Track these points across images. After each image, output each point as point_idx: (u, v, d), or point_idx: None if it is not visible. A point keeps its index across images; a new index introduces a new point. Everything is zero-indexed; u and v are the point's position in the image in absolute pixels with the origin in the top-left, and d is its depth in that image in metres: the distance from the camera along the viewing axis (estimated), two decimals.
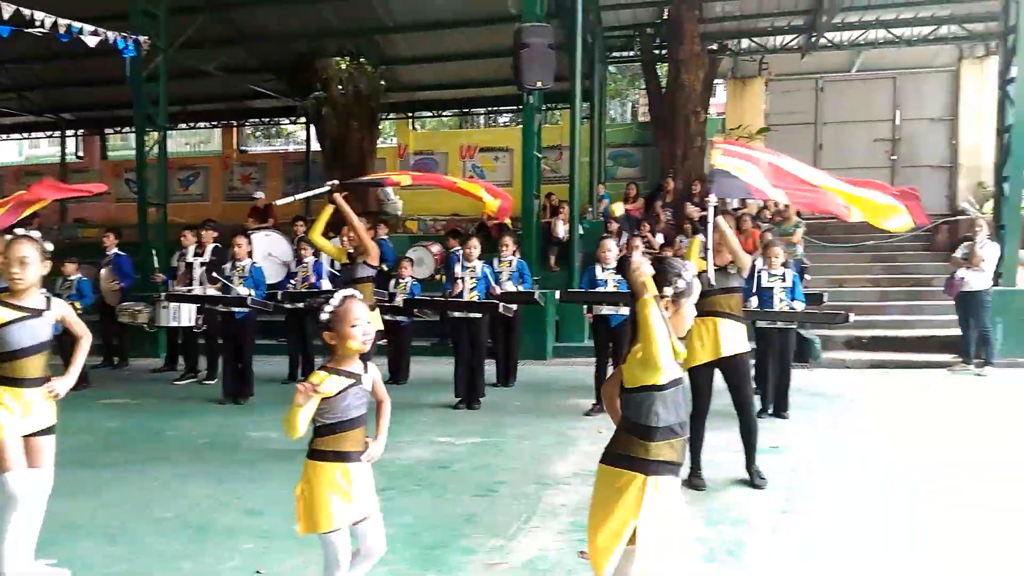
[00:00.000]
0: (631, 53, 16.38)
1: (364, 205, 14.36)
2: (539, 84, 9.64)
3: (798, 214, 10.41)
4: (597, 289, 7.04)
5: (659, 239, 11.75)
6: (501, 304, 7.28)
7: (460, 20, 13.99)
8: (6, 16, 9.09)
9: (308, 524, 2.82)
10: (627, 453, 2.60)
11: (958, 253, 9.00)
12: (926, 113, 15.63)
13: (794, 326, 7.13)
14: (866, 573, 3.67)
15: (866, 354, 9.64)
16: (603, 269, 7.10)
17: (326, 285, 8.56)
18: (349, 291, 2.89)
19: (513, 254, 8.19)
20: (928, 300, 11.01)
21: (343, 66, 14.36)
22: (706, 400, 4.93)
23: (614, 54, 16.43)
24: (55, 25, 9.82)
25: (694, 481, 4.84)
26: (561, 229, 12.06)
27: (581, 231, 11.15)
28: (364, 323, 2.85)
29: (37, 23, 9.41)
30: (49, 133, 21.56)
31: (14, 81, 17.52)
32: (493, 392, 7.87)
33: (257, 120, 20.62)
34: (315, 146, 17.24)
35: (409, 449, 5.75)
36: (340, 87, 14.20)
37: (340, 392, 2.83)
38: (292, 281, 8.93)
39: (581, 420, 6.73)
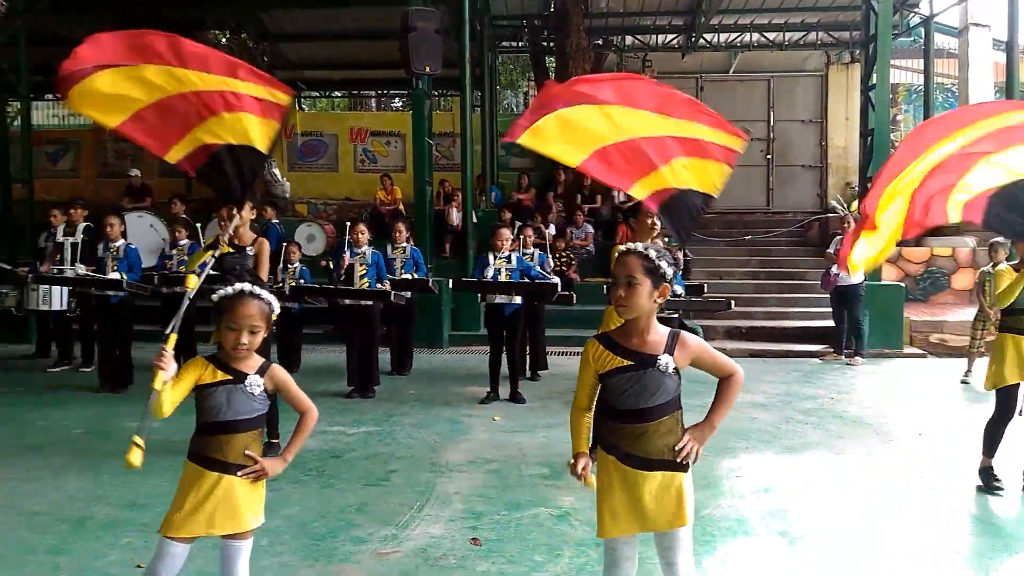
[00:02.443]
0: (520, 43, 16.49)
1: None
2: (427, 69, 9.61)
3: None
4: (489, 278, 7.11)
5: (551, 230, 11.97)
6: (392, 292, 7.24)
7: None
8: None
9: (162, 525, 2.57)
10: None
11: (831, 249, 9.54)
12: (798, 115, 16.59)
13: (677, 315, 7.39)
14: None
15: (745, 343, 10.16)
16: (495, 257, 7.17)
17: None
18: (248, 286, 2.53)
19: (407, 241, 8.18)
20: (802, 293, 11.68)
21: (222, 40, 13.78)
22: None
23: (504, 43, 16.50)
24: None
25: None
26: (455, 216, 12.07)
27: (475, 219, 11.19)
28: (246, 331, 2.50)
29: None
30: None
31: None
32: (388, 380, 7.81)
33: None
34: None
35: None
36: None
37: (209, 387, 2.53)
38: (168, 264, 8.56)
39: (476, 408, 6.79)
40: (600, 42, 15.46)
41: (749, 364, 9.28)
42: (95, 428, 6.02)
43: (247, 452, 2.55)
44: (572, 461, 2.48)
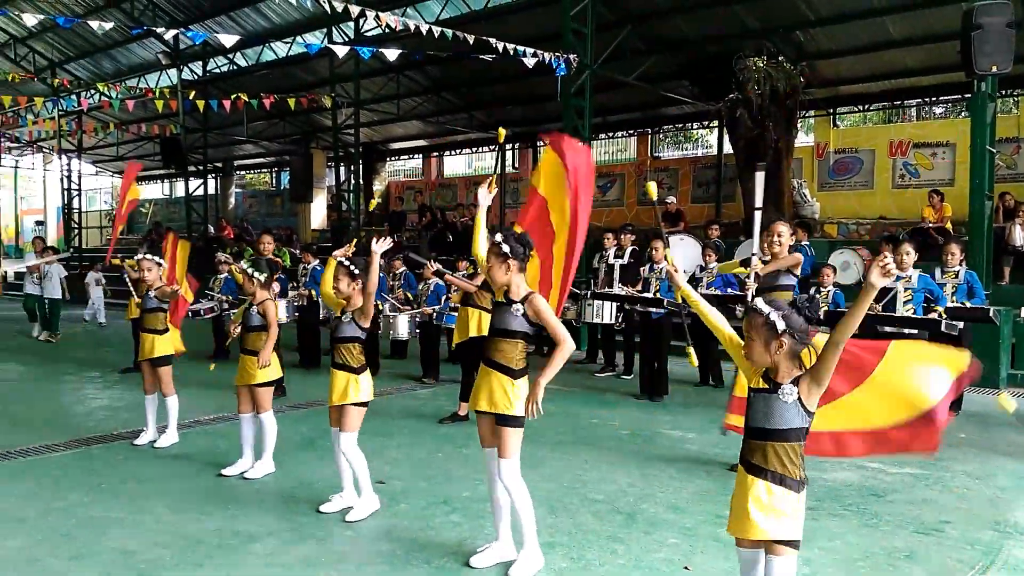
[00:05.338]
0: None
1: (778, 207, 13.86)
2: (994, 68, 8.46)
3: None
4: None
5: None
6: (944, 321, 6.49)
7: (892, 6, 12.80)
8: (471, 42, 10.70)
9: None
10: None
11: None
12: None
13: None
14: None
15: None
16: None
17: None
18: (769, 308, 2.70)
19: (960, 264, 7.28)
20: None
21: (759, 65, 14.00)
22: None
23: None
24: (504, 49, 11.26)
25: None
26: (1018, 235, 10.33)
27: None
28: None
29: (493, 48, 10.93)
30: (492, 147, 24.70)
31: (465, 102, 20.52)
32: None
33: (669, 127, 21.18)
34: (727, 149, 17.15)
35: (832, 470, 5.37)
36: (756, 87, 13.87)
37: (751, 393, 2.79)
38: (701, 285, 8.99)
39: None
40: None
41: None
42: (639, 431, 6.62)
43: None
44: None
